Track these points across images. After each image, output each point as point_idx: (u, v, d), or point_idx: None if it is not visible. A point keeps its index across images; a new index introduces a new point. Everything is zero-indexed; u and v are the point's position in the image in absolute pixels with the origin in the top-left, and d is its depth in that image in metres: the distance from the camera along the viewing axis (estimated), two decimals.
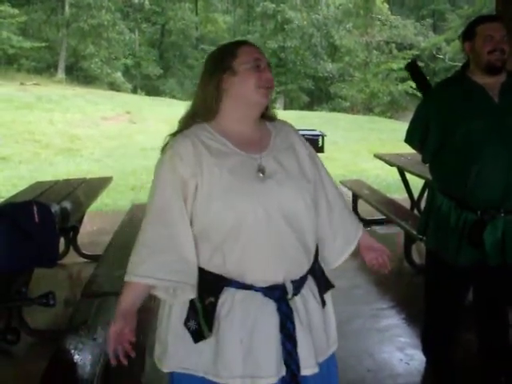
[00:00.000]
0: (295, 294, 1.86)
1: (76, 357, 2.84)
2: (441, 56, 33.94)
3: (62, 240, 4.75)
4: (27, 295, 2.08)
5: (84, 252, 5.68)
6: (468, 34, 2.90)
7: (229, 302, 1.81)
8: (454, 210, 2.88)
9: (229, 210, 1.78)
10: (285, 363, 1.80)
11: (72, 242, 5.58)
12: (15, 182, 10.06)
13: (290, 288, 1.83)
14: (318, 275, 2.00)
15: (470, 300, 3.22)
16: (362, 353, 3.83)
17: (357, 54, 34.54)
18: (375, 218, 6.90)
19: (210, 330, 1.81)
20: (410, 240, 5.30)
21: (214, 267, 1.83)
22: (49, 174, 10.48)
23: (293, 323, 1.82)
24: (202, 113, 1.90)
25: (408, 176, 6.77)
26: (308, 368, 1.85)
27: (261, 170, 1.84)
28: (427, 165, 3.15)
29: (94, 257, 5.39)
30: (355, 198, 7.11)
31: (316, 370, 1.87)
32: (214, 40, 36.80)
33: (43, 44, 30.74)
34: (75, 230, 5.43)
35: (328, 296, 2.05)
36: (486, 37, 2.78)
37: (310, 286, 1.94)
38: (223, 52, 1.94)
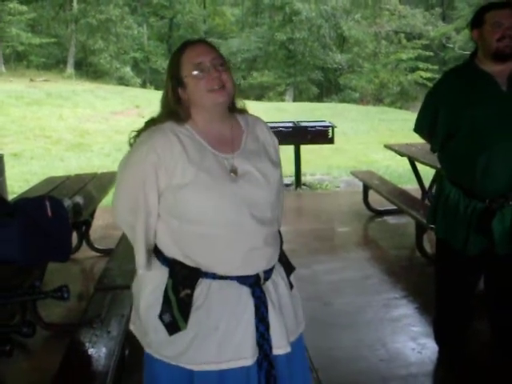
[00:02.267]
0: (266, 278, 1.93)
1: (90, 350, 2.87)
2: (450, 45, 33.68)
3: (74, 234, 4.77)
4: (41, 289, 2.10)
5: (96, 246, 5.71)
6: (476, 22, 2.88)
7: (204, 292, 1.86)
8: (462, 198, 2.87)
9: (201, 207, 1.83)
10: (258, 344, 1.88)
11: (84, 236, 5.61)
12: (27, 177, 10.12)
13: (262, 275, 1.91)
14: (284, 260, 2.07)
15: (481, 288, 3.22)
16: (374, 342, 3.84)
17: (366, 44, 34.36)
18: (386, 208, 6.91)
19: (186, 321, 1.85)
20: (421, 230, 5.30)
21: (189, 261, 1.87)
22: (60, 170, 10.54)
23: (266, 306, 1.90)
24: (175, 117, 1.92)
25: (419, 166, 6.75)
26: (280, 348, 1.92)
27: (233, 170, 1.88)
28: (436, 154, 3.14)
29: (107, 251, 5.42)
30: (366, 188, 7.11)
31: (288, 349, 1.94)
32: (223, 33, 36.84)
33: (52, 40, 30.87)
34: (87, 224, 5.45)
35: (292, 278, 2.11)
36: (495, 24, 2.76)
37: (279, 270, 2.02)
38: (171, 63, 1.96)
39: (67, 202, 3.86)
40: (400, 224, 6.66)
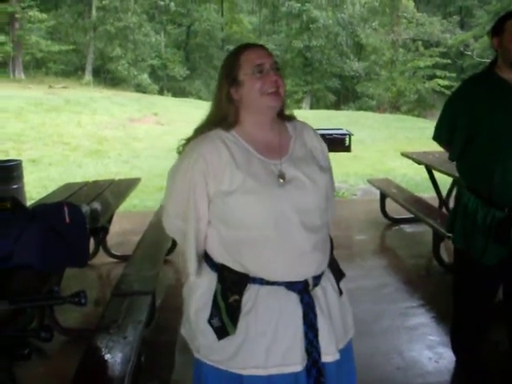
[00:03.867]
0: (315, 284, 1.92)
1: (107, 355, 2.88)
2: (469, 53, 33.54)
3: (91, 240, 4.80)
4: (59, 294, 2.11)
5: (113, 252, 5.74)
6: (496, 30, 2.87)
7: (253, 297, 1.86)
8: (481, 207, 2.85)
9: (249, 213, 1.84)
10: (306, 351, 1.86)
11: (101, 242, 5.63)
12: (45, 183, 10.20)
13: (311, 281, 1.90)
14: (334, 266, 2.06)
15: (500, 298, 3.19)
16: (391, 351, 3.82)
17: (383, 52, 34.33)
18: (403, 216, 6.87)
19: (235, 326, 1.86)
20: (438, 238, 5.27)
21: (237, 266, 1.88)
22: (78, 176, 10.62)
23: (315, 313, 1.88)
24: (223, 122, 1.94)
25: (436, 174, 6.72)
26: (329, 355, 1.90)
27: (281, 175, 1.88)
28: (454, 162, 3.13)
29: (123, 257, 5.45)
30: (383, 196, 7.08)
31: (337, 356, 1.92)
32: (240, 40, 36.84)
33: (71, 47, 31.18)
34: (105, 230, 5.48)
35: (342, 285, 2.09)
36: None
37: (328, 276, 2.00)
38: (228, 63, 1.97)
39: (85, 208, 3.88)
40: (417, 232, 6.63)
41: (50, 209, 3.15)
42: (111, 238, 5.82)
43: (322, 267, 1.95)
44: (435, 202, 6.85)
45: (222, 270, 1.90)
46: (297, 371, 1.86)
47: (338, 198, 8.97)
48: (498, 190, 2.76)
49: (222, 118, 1.94)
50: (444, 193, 7.05)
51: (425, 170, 6.89)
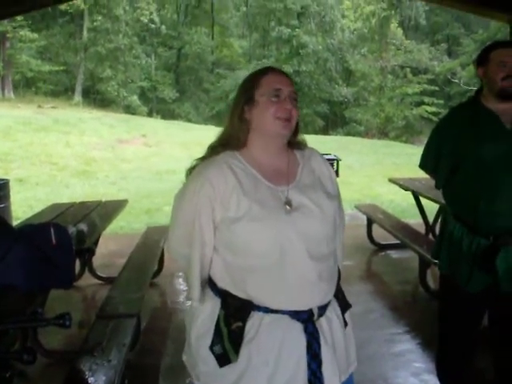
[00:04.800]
0: (320, 315, 1.89)
1: (90, 378, 2.85)
2: (456, 80, 33.92)
3: (77, 262, 4.78)
4: (43, 316, 2.09)
5: (99, 274, 5.71)
6: (482, 60, 2.90)
7: (256, 325, 1.83)
8: (466, 235, 2.86)
9: (255, 239, 1.82)
10: (309, 382, 1.82)
11: (87, 263, 5.61)
12: (32, 203, 10.16)
13: (316, 311, 1.87)
14: (340, 296, 2.04)
15: (485, 325, 3.20)
16: (376, 378, 3.81)
17: (371, 78, 34.65)
18: (390, 242, 6.90)
19: (237, 353, 1.82)
20: (424, 265, 5.28)
21: (241, 293, 1.85)
22: (65, 196, 10.58)
23: (319, 343, 1.85)
24: (232, 142, 1.93)
25: (423, 200, 6.76)
26: None
27: (288, 202, 1.86)
28: (441, 190, 3.15)
29: (109, 279, 5.42)
30: (370, 222, 7.11)
31: None
32: (230, 64, 37.16)
33: (61, 67, 31.19)
34: (91, 252, 5.45)
35: (347, 316, 2.07)
36: (500, 63, 2.78)
37: (334, 306, 1.97)
38: (248, 82, 1.97)
39: (71, 229, 3.87)
40: (403, 258, 6.64)
41: (36, 229, 3.14)
42: (97, 260, 5.79)
43: (328, 297, 1.92)
44: (422, 229, 6.87)
45: (225, 296, 1.87)
46: None
47: None
48: (483, 219, 2.78)
49: (231, 137, 1.93)
50: (430, 219, 7.08)
51: (412, 196, 6.93)
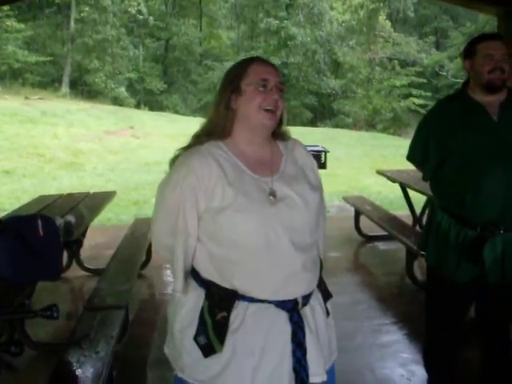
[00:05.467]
0: (304, 304, 1.90)
1: (78, 370, 2.85)
2: (443, 73, 34.04)
3: (64, 253, 4.76)
4: (30, 307, 2.09)
5: (86, 266, 5.69)
6: (468, 52, 2.91)
7: (241, 315, 1.83)
8: (453, 226, 2.88)
9: (240, 230, 1.81)
10: (294, 370, 1.83)
11: (75, 255, 5.59)
12: (19, 195, 10.11)
13: (300, 300, 1.87)
14: (322, 286, 2.05)
15: (472, 316, 3.22)
16: (363, 368, 3.83)
17: (360, 70, 34.64)
18: (377, 234, 6.92)
19: (222, 343, 1.82)
20: (411, 256, 5.31)
21: (226, 283, 1.85)
22: (52, 188, 10.54)
23: (303, 332, 1.86)
24: (216, 132, 1.92)
25: (410, 192, 6.79)
26: (317, 376, 1.88)
27: (272, 193, 1.87)
28: (428, 182, 3.16)
29: (97, 271, 5.41)
30: (357, 214, 7.13)
31: (325, 377, 1.90)
32: (218, 56, 37.00)
33: (48, 58, 30.91)
34: (78, 243, 5.45)
35: (329, 306, 2.08)
36: (486, 56, 2.79)
37: (317, 296, 1.99)
38: (234, 70, 1.96)
39: (59, 221, 3.86)
40: (391, 250, 6.67)
41: (23, 220, 3.12)
42: (85, 252, 5.78)
43: (311, 286, 1.93)
44: (409, 220, 6.91)
45: (209, 287, 1.87)
46: None
47: None
48: (470, 210, 2.80)
49: (216, 126, 1.92)
50: (418, 211, 7.12)
51: (399, 187, 6.96)
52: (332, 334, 2.07)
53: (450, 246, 2.89)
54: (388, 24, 35.05)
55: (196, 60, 37.26)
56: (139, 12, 33.03)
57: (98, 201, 5.59)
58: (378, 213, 6.65)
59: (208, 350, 1.83)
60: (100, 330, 3.27)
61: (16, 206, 6.28)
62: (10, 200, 9.28)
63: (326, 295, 2.07)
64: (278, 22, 33.91)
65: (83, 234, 5.48)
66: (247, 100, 1.88)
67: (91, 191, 6.39)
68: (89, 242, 6.02)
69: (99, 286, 4.07)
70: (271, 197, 1.86)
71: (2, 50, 29.38)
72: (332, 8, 36.57)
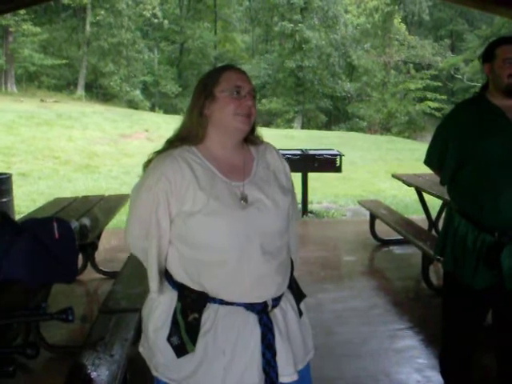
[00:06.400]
0: (274, 306, 1.94)
1: (93, 373, 2.85)
2: (459, 76, 33.90)
3: (79, 256, 4.77)
4: (46, 310, 2.09)
5: (101, 268, 5.70)
6: (487, 56, 2.89)
7: (212, 316, 1.87)
8: (471, 231, 2.85)
9: (211, 234, 1.85)
10: (264, 371, 1.87)
11: (90, 258, 5.60)
12: (34, 197, 10.16)
13: (270, 303, 1.92)
14: (294, 287, 2.08)
15: (489, 323, 3.19)
16: (378, 373, 3.80)
17: (374, 73, 34.59)
18: (393, 238, 6.88)
19: (194, 344, 1.86)
20: (427, 261, 5.27)
21: (197, 286, 1.89)
22: (67, 191, 10.59)
23: (273, 334, 1.90)
24: (190, 137, 1.95)
25: (426, 196, 6.75)
26: (287, 376, 1.92)
27: (243, 198, 1.90)
28: (445, 186, 3.13)
29: (111, 273, 5.42)
30: (373, 218, 7.09)
31: (295, 377, 1.94)
32: (233, 59, 37.10)
33: (64, 62, 31.18)
34: (93, 246, 5.45)
35: (303, 306, 2.11)
36: (506, 59, 2.76)
37: (288, 297, 2.02)
38: (207, 78, 1.99)
39: (74, 224, 3.87)
40: (406, 254, 6.63)
41: (39, 223, 3.14)
42: (99, 254, 5.79)
43: (281, 289, 1.96)
44: (425, 224, 6.87)
45: (182, 289, 1.91)
46: None
47: (328, 219, 8.99)
48: (488, 215, 2.77)
49: (190, 132, 1.95)
50: (433, 215, 7.07)
51: (415, 191, 6.92)
52: (307, 335, 2.10)
53: (468, 251, 2.86)
54: (403, 27, 34.99)
55: (210, 63, 37.34)
56: (154, 15, 33.19)
57: (112, 204, 5.60)
58: (394, 217, 6.61)
59: (181, 351, 1.88)
60: (115, 333, 3.27)
61: (32, 208, 6.32)
62: (25, 202, 9.34)
63: (299, 296, 2.10)
64: (292, 25, 33.91)
65: (98, 237, 5.48)
66: (221, 106, 1.91)
67: (106, 194, 6.40)
68: (104, 244, 6.03)
69: (114, 289, 4.07)
70: (242, 201, 1.89)
71: (19, 54, 29.66)
72: (347, 11, 36.60)
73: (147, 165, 1.98)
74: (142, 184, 1.95)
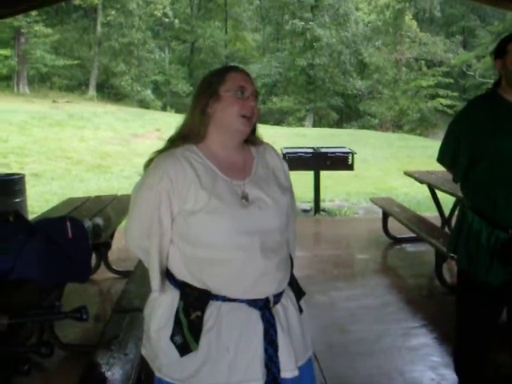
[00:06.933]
0: (276, 302, 1.95)
1: (107, 372, 2.86)
2: (471, 73, 33.70)
3: (93, 256, 4.78)
4: (60, 309, 2.10)
5: (115, 268, 5.72)
6: (499, 52, 2.87)
7: (215, 314, 1.88)
8: (484, 228, 2.84)
9: (212, 233, 1.86)
10: (266, 367, 1.89)
11: (103, 257, 5.62)
12: (47, 197, 10.21)
13: (272, 299, 1.94)
14: (294, 284, 2.10)
15: (504, 320, 3.17)
16: (392, 371, 3.79)
17: (386, 71, 34.45)
18: (405, 235, 6.86)
19: (197, 342, 1.87)
20: (440, 258, 5.25)
21: (199, 284, 1.89)
22: (80, 191, 10.63)
23: (275, 330, 1.92)
24: (191, 135, 1.96)
25: (438, 193, 6.72)
26: (288, 371, 1.94)
27: (244, 196, 1.92)
28: (458, 183, 3.12)
29: (125, 273, 5.44)
30: (385, 215, 7.07)
31: (296, 373, 1.95)
32: (243, 58, 37.12)
33: (75, 62, 31.30)
34: (107, 246, 5.47)
35: (302, 303, 2.12)
36: None
37: (289, 294, 2.04)
38: (211, 77, 2.00)
39: (87, 223, 3.88)
40: (419, 252, 6.61)
41: (52, 223, 3.15)
42: (113, 254, 5.80)
43: (282, 285, 1.98)
44: (437, 222, 6.84)
45: (184, 287, 1.91)
46: None
47: (340, 217, 8.97)
48: (502, 212, 2.75)
49: (192, 130, 1.96)
50: (446, 212, 7.04)
51: (427, 188, 6.90)
52: (306, 331, 2.11)
53: (482, 248, 2.85)
54: (414, 24, 34.81)
55: (221, 62, 37.33)
56: (165, 15, 33.23)
57: (125, 203, 5.58)
58: (406, 214, 6.59)
59: (184, 349, 1.88)
60: (128, 332, 3.28)
61: (45, 208, 6.34)
62: (38, 203, 9.38)
63: (299, 293, 2.12)
64: (303, 23, 33.84)
65: (111, 237, 5.50)
66: (225, 106, 1.93)
67: (118, 194, 6.42)
68: (117, 244, 6.04)
69: (127, 288, 4.08)
70: (243, 200, 1.91)
71: (31, 55, 29.82)
72: (357, 9, 36.47)
73: (148, 164, 1.99)
74: (143, 183, 1.97)
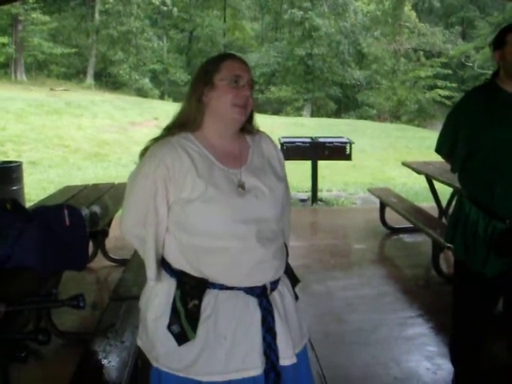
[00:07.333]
0: (273, 289, 1.96)
1: (104, 360, 2.87)
2: (470, 64, 33.63)
3: (90, 244, 4.78)
4: (57, 297, 2.11)
5: (112, 256, 5.73)
6: (498, 43, 2.86)
7: (212, 302, 1.88)
8: (482, 218, 2.84)
9: (209, 221, 1.86)
10: (264, 354, 1.89)
11: (100, 245, 5.62)
12: (45, 185, 10.20)
13: (269, 286, 1.94)
14: (289, 272, 2.11)
15: (500, 310, 3.18)
16: (388, 361, 3.81)
17: (384, 61, 34.37)
18: (403, 226, 6.87)
19: (194, 331, 1.87)
20: (437, 249, 5.26)
21: (196, 272, 1.89)
22: (77, 179, 10.61)
23: (273, 317, 1.92)
24: (187, 124, 1.96)
25: (436, 184, 6.73)
26: (287, 358, 1.94)
27: (240, 185, 1.92)
28: (456, 174, 3.12)
29: (122, 261, 5.44)
30: (383, 206, 7.08)
31: (294, 360, 1.96)
32: (242, 47, 36.98)
33: (73, 50, 31.15)
34: (104, 234, 5.47)
35: (297, 290, 2.14)
36: None
37: (285, 282, 2.06)
38: (208, 65, 1.99)
39: (84, 211, 3.88)
40: (416, 242, 6.63)
41: (49, 211, 3.14)
42: (110, 242, 5.81)
43: (279, 273, 1.99)
44: (435, 212, 6.86)
45: (180, 276, 1.91)
46: (255, 375, 1.89)
47: (338, 207, 8.98)
48: (500, 203, 2.76)
49: (188, 119, 1.96)
50: (444, 203, 7.05)
51: (424, 179, 6.90)
52: (302, 318, 2.12)
53: (479, 238, 2.85)
54: (413, 14, 34.70)
55: (220, 51, 37.12)
56: (163, 3, 33.07)
57: (122, 191, 5.52)
58: (404, 205, 6.60)
59: (182, 338, 1.88)
60: (125, 320, 3.29)
61: (42, 196, 6.33)
62: (36, 191, 9.38)
63: (294, 280, 2.14)
64: (302, 12, 33.69)
65: (108, 225, 5.49)
66: (220, 95, 1.92)
67: (116, 182, 6.41)
68: (114, 232, 6.03)
69: (124, 276, 4.09)
70: (240, 188, 1.91)
71: (28, 42, 29.67)
72: None
73: (144, 152, 1.97)
74: (138, 171, 1.96)
